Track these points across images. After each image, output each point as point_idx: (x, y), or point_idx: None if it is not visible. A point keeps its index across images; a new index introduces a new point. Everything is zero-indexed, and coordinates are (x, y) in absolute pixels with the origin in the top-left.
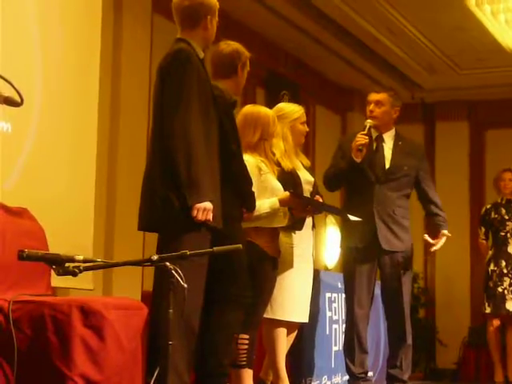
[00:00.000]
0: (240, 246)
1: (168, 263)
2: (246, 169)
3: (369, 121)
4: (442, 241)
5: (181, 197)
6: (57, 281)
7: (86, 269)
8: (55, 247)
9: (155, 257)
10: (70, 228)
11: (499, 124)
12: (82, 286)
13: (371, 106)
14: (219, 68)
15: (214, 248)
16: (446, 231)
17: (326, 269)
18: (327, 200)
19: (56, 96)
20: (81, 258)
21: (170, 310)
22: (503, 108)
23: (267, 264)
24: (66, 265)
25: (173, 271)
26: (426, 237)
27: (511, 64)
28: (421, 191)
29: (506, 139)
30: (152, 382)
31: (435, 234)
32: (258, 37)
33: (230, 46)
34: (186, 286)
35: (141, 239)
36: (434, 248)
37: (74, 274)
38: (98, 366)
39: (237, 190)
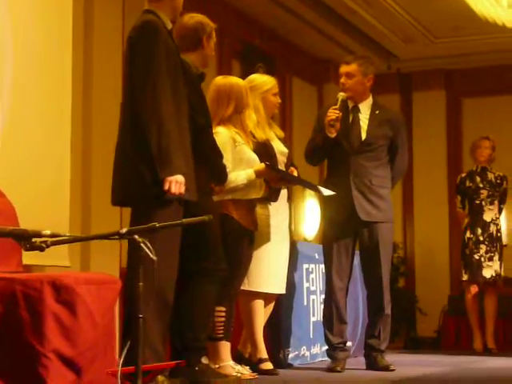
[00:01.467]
0: (209, 217)
1: (137, 236)
2: (215, 142)
3: (341, 94)
4: None
5: (152, 170)
6: (33, 258)
7: (54, 243)
8: (30, 225)
9: (123, 230)
10: (45, 205)
11: (476, 92)
12: (58, 263)
13: (342, 79)
14: (184, 41)
15: (184, 220)
16: None
17: (306, 240)
18: (304, 171)
19: (28, 73)
20: (48, 232)
21: (140, 284)
22: (479, 76)
23: (243, 237)
24: (33, 240)
25: (142, 244)
26: None
27: (486, 32)
28: (390, 158)
29: (483, 107)
30: (122, 356)
31: None
32: (233, 9)
33: (193, 18)
34: (155, 259)
35: (118, 214)
36: None
37: (41, 249)
38: (71, 341)
39: (207, 163)
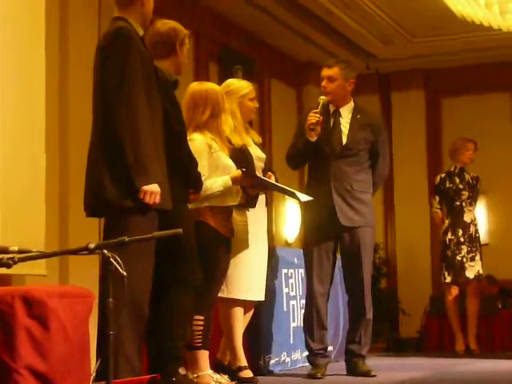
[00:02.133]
0: (180, 230)
1: (106, 251)
2: (190, 149)
3: (322, 97)
4: None
5: (127, 179)
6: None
7: (21, 260)
8: (6, 237)
9: (92, 245)
10: (20, 215)
11: (455, 92)
12: (35, 271)
13: (324, 82)
14: (157, 48)
15: (154, 233)
16: None
17: (287, 244)
18: (283, 176)
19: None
20: (15, 248)
21: (110, 300)
22: (458, 75)
23: (220, 244)
24: (0, 256)
25: (111, 259)
26: None
27: (464, 31)
28: (371, 163)
29: (462, 107)
30: (94, 372)
31: None
32: (210, 11)
33: (166, 24)
34: (125, 274)
35: (97, 223)
36: None
37: (8, 266)
38: (44, 356)
39: (182, 171)
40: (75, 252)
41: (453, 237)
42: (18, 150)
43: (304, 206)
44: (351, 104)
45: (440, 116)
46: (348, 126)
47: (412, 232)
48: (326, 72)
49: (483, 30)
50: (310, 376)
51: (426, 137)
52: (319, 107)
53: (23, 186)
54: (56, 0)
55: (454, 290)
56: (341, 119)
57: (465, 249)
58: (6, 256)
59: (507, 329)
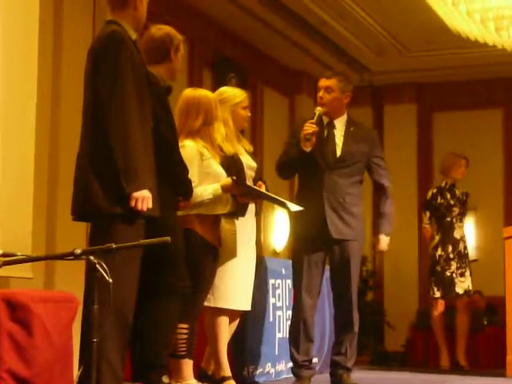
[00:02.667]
0: (168, 238)
1: (92, 257)
2: (181, 156)
3: (318, 108)
4: (382, 243)
5: (116, 186)
6: None
7: (6, 263)
8: None
9: (78, 250)
10: (6, 218)
11: (447, 107)
12: (20, 274)
13: (321, 93)
14: (151, 53)
15: (142, 241)
16: (382, 235)
17: (275, 253)
18: (274, 185)
19: None
20: (0, 251)
21: (95, 307)
22: (451, 90)
23: (207, 253)
24: None
25: (97, 266)
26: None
27: (459, 46)
28: (373, 179)
29: (454, 122)
30: (76, 378)
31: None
32: (205, 18)
33: (161, 30)
34: (110, 280)
35: (85, 228)
36: (380, 249)
37: None
38: (26, 361)
39: (172, 177)
40: (61, 257)
41: (442, 253)
42: (7, 152)
43: (294, 216)
44: (345, 116)
45: (431, 130)
46: (342, 139)
47: (400, 245)
48: (323, 83)
49: (478, 46)
50: None
51: (417, 151)
52: (315, 118)
53: (11, 188)
54: (50, 2)
55: (441, 305)
56: (335, 131)
57: (454, 264)
58: None
59: (492, 345)
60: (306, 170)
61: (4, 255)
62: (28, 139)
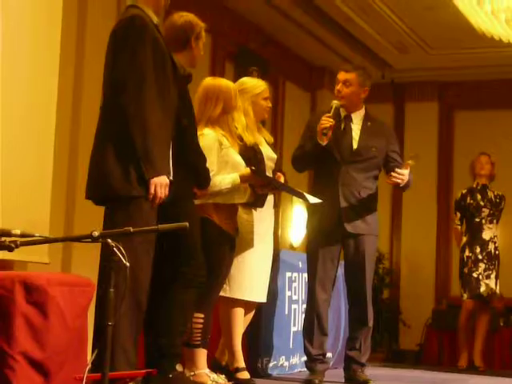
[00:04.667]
0: (186, 224)
1: (110, 240)
2: (199, 145)
3: (335, 101)
4: (405, 170)
5: (134, 168)
6: (10, 253)
7: (23, 243)
8: (10, 221)
9: (96, 233)
10: (25, 200)
11: (469, 105)
12: (37, 259)
13: (339, 86)
14: (172, 40)
15: (159, 226)
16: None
17: (292, 247)
18: (293, 177)
19: (14, 68)
20: (18, 232)
21: (111, 290)
22: (473, 89)
23: (224, 242)
24: (2, 239)
25: (114, 249)
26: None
27: (482, 45)
28: (389, 170)
29: (476, 121)
30: (90, 362)
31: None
32: (229, 11)
33: (182, 17)
34: (128, 264)
35: (102, 211)
36: (400, 176)
37: (10, 249)
38: (41, 344)
39: (189, 166)
40: (78, 239)
41: (470, 254)
42: (27, 132)
43: (309, 209)
44: (363, 111)
45: (453, 129)
46: (359, 132)
47: (418, 244)
48: (342, 76)
49: (502, 46)
50: (308, 382)
51: (438, 149)
52: (331, 111)
53: (30, 171)
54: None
55: (469, 307)
56: (352, 125)
57: (482, 266)
58: (8, 239)
59: (507, 347)
60: (321, 164)
61: (22, 235)
62: (48, 122)
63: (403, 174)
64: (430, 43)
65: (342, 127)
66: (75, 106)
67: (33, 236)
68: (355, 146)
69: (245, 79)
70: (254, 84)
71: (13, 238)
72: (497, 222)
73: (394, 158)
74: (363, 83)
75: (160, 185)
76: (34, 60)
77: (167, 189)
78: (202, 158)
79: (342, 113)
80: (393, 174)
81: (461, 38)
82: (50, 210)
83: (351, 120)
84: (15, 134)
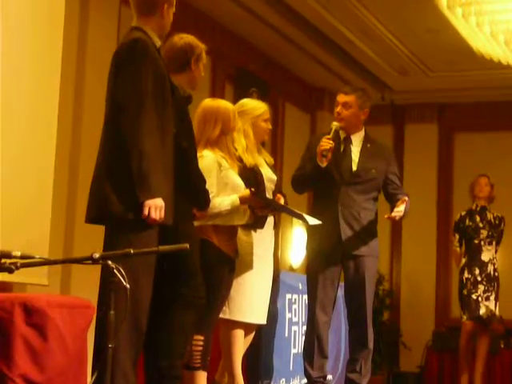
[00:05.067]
0: (187, 245)
1: (110, 262)
2: (198, 167)
3: (335, 123)
4: (402, 206)
5: (131, 192)
6: (9, 275)
7: (24, 265)
8: (10, 242)
9: (97, 254)
10: (24, 222)
11: (468, 127)
12: (36, 281)
13: (338, 108)
14: (172, 62)
15: (160, 247)
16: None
17: (292, 269)
18: (293, 199)
19: (15, 84)
20: (18, 254)
21: (112, 312)
22: (473, 111)
23: (224, 264)
24: (2, 261)
25: (115, 270)
26: (389, 214)
27: (481, 67)
28: (389, 196)
29: (475, 143)
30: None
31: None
32: (228, 33)
33: (182, 39)
34: (128, 286)
35: (102, 233)
36: (397, 213)
37: (10, 271)
38: (40, 366)
39: (189, 187)
40: (79, 261)
41: (469, 275)
42: (27, 153)
43: (309, 231)
44: (362, 132)
45: (452, 151)
46: (358, 154)
47: (418, 265)
48: (342, 98)
49: (500, 68)
50: None
51: (438, 170)
52: (331, 133)
53: (30, 192)
54: (76, 8)
55: (469, 329)
56: (351, 146)
57: (481, 288)
58: (8, 261)
59: (507, 369)
60: (321, 185)
61: (22, 257)
62: (49, 143)
63: (400, 211)
64: (430, 65)
65: (342, 149)
66: (75, 127)
67: (33, 258)
68: (355, 167)
69: (245, 101)
70: (255, 106)
71: (13, 260)
72: (497, 244)
73: (392, 180)
74: (363, 105)
75: (155, 207)
76: (35, 81)
77: (162, 211)
78: (201, 179)
79: (342, 135)
80: (391, 215)
81: (460, 60)
82: (50, 231)
83: (351, 142)
84: (15, 155)
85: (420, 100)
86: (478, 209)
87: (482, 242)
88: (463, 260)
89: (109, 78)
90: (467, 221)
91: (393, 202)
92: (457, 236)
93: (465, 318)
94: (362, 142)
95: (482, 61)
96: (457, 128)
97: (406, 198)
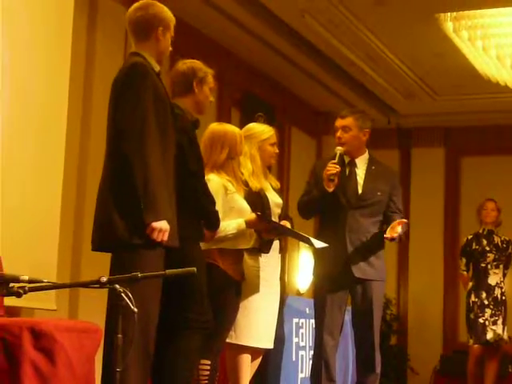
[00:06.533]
0: (194, 269)
1: (117, 286)
2: (208, 188)
3: (338, 148)
4: (398, 227)
5: (136, 216)
6: (18, 300)
7: (32, 289)
8: (16, 266)
9: (104, 278)
10: (32, 247)
11: (475, 151)
12: (44, 305)
13: (339, 133)
14: (176, 86)
15: (167, 271)
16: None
17: (299, 293)
18: (300, 223)
19: (23, 108)
20: (26, 278)
21: (119, 335)
22: (480, 135)
23: (230, 288)
24: (11, 285)
25: (122, 294)
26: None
27: (487, 91)
28: (385, 217)
29: (483, 167)
30: None
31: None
32: (234, 58)
33: (185, 63)
34: (135, 310)
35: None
36: (395, 235)
37: (18, 295)
38: None
39: (199, 209)
40: (86, 285)
41: (476, 299)
42: (35, 177)
43: (316, 255)
44: (366, 155)
45: (459, 175)
46: (363, 176)
47: (425, 289)
48: (340, 122)
49: (507, 91)
50: None
51: (444, 195)
52: (336, 158)
53: (38, 216)
54: (83, 34)
55: (477, 353)
56: (356, 170)
57: (488, 312)
58: (16, 285)
59: None
60: (327, 210)
61: (30, 281)
62: (56, 168)
63: (397, 232)
64: (436, 89)
65: (347, 173)
66: (82, 152)
67: (41, 282)
68: (360, 190)
69: (252, 125)
70: (262, 130)
71: (21, 284)
72: (505, 268)
73: (394, 201)
74: (362, 126)
75: (159, 229)
76: (43, 109)
77: (167, 234)
78: (211, 201)
79: (346, 159)
80: (388, 235)
81: (466, 84)
82: (57, 256)
83: (355, 165)
84: (24, 180)
85: (426, 124)
86: (485, 232)
87: (489, 266)
88: (470, 284)
89: (109, 104)
90: (474, 244)
91: (389, 223)
92: (464, 260)
93: (471, 342)
94: (366, 164)
95: (489, 84)
96: (463, 152)
97: (405, 220)
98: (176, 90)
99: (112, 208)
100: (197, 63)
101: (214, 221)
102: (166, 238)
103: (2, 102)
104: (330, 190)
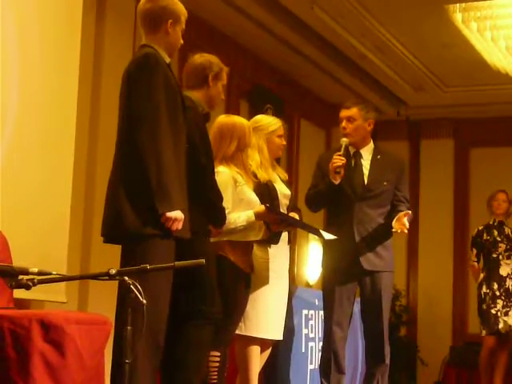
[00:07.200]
0: (203, 261)
1: (127, 278)
2: (216, 183)
3: (344, 139)
4: (405, 219)
5: (147, 206)
6: (28, 293)
7: (41, 282)
8: (25, 259)
9: (113, 270)
10: (42, 239)
11: (484, 142)
12: (54, 298)
13: (343, 123)
14: (190, 78)
15: (176, 263)
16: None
17: (308, 285)
18: (308, 215)
19: (33, 101)
20: (35, 270)
21: (128, 327)
22: (489, 127)
23: (239, 279)
24: (20, 277)
25: (131, 286)
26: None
27: (497, 82)
28: (392, 206)
29: (491, 158)
30: None
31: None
32: (243, 50)
33: (202, 56)
34: (144, 302)
35: (119, 250)
36: (404, 229)
37: (28, 287)
38: (58, 382)
39: (206, 204)
40: (96, 277)
41: (488, 290)
42: (45, 170)
43: (325, 247)
44: (371, 145)
45: (468, 166)
46: (369, 167)
47: (434, 280)
48: (344, 113)
49: None
50: None
51: (454, 186)
52: (342, 149)
53: (48, 209)
54: (92, 25)
55: (490, 343)
56: (362, 160)
57: (500, 303)
58: (25, 277)
59: None
60: (335, 202)
61: (39, 273)
62: (66, 160)
63: (404, 224)
64: (445, 80)
65: (353, 164)
66: (91, 146)
67: (50, 274)
68: (366, 181)
69: (260, 117)
70: (269, 121)
71: (30, 276)
72: None
73: (400, 189)
74: (366, 116)
75: (174, 218)
76: (52, 102)
77: (181, 223)
78: (219, 196)
79: (351, 150)
80: (397, 229)
81: (476, 75)
82: (67, 248)
83: (361, 156)
84: (33, 172)
85: (436, 115)
86: (496, 223)
87: (501, 256)
88: (481, 275)
89: (121, 95)
90: (485, 235)
91: (395, 212)
92: (474, 251)
93: (484, 332)
94: (371, 154)
95: (498, 75)
96: (473, 143)
97: (409, 212)
98: (189, 83)
99: (124, 199)
100: (214, 58)
101: (220, 217)
102: (180, 226)
103: (12, 96)
104: (337, 182)
